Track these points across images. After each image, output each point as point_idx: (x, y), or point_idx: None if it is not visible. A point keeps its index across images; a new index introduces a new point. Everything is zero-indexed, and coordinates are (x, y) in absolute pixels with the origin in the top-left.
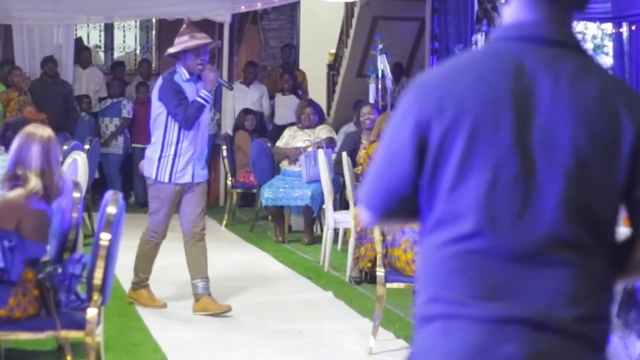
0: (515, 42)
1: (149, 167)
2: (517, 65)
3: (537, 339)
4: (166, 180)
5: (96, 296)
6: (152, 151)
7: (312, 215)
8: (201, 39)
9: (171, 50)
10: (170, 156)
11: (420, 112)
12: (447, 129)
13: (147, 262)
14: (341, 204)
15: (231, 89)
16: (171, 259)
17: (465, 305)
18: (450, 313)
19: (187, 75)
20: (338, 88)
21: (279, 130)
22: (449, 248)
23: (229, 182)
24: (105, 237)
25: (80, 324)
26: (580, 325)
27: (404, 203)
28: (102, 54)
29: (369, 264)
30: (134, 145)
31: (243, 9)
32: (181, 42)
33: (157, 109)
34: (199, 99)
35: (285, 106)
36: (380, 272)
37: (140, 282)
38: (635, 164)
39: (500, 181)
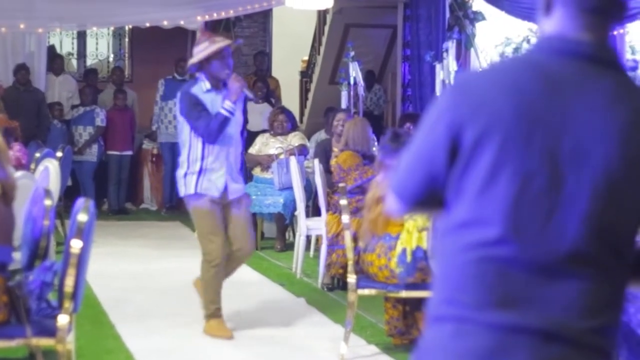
0: (556, 56)
1: (178, 187)
2: (555, 80)
3: (547, 349)
4: (192, 191)
5: (67, 303)
6: (179, 170)
7: (285, 222)
8: (221, 41)
9: (194, 60)
10: (194, 174)
11: (455, 114)
12: (480, 135)
13: (212, 291)
14: (313, 210)
15: (257, 101)
16: (147, 266)
17: (479, 311)
18: (463, 317)
19: (209, 86)
20: (311, 95)
21: (252, 137)
22: (471, 252)
23: None
24: (76, 245)
25: (51, 332)
26: (592, 336)
27: (433, 196)
28: (74, 62)
29: (341, 271)
30: (109, 152)
31: (215, 16)
32: (202, 50)
33: (180, 124)
34: (222, 111)
35: (258, 113)
36: (351, 278)
37: (211, 314)
38: None
39: (528, 193)
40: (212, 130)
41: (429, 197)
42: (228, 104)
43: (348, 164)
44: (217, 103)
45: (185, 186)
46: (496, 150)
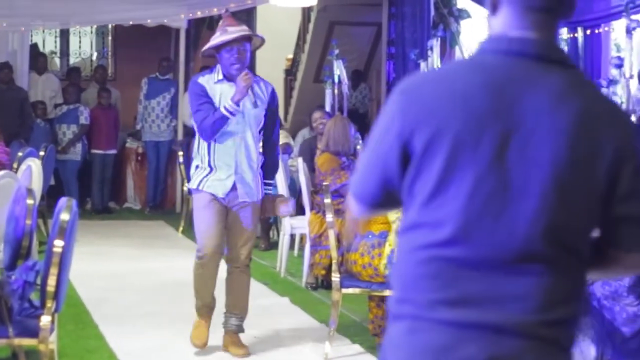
0: (503, 56)
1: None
2: (502, 81)
3: (498, 341)
4: (195, 186)
5: (50, 303)
6: (193, 161)
7: (269, 221)
8: (233, 33)
9: (205, 47)
10: (204, 169)
11: (404, 121)
12: (430, 140)
13: (198, 286)
14: (297, 209)
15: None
16: (130, 265)
17: (432, 309)
18: (417, 315)
19: (221, 76)
20: (295, 93)
21: None
22: (424, 252)
23: (185, 188)
24: (58, 244)
25: (33, 332)
26: (546, 329)
27: (390, 199)
28: (57, 60)
29: (323, 272)
30: (93, 151)
31: (199, 14)
32: (214, 37)
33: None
34: (222, 109)
35: None
36: (335, 277)
37: (198, 309)
38: (614, 184)
39: (477, 195)
40: (205, 126)
41: (386, 199)
42: (230, 103)
43: (325, 168)
44: (228, 95)
45: (193, 179)
46: (446, 154)
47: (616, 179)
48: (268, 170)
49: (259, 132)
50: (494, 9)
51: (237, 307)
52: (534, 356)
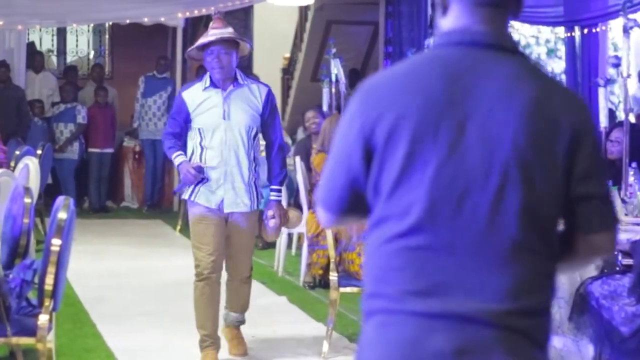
0: (455, 48)
1: None
2: (457, 70)
3: (467, 331)
4: (187, 196)
5: (47, 302)
6: None
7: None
8: (213, 35)
9: (188, 50)
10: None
11: (364, 118)
12: (389, 134)
13: (199, 312)
14: (295, 208)
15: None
16: (128, 264)
17: (402, 301)
18: (388, 308)
19: (208, 83)
20: (292, 92)
21: None
22: (390, 244)
23: None
24: (55, 243)
25: (31, 330)
26: (514, 318)
27: (357, 202)
28: (54, 59)
29: (321, 271)
30: (90, 149)
31: (196, 13)
32: (200, 39)
33: None
34: (173, 155)
35: None
36: (333, 276)
37: (201, 341)
38: (572, 164)
39: (440, 181)
40: (164, 142)
41: (354, 203)
42: (177, 160)
43: (321, 168)
44: (216, 101)
45: (187, 187)
46: (406, 145)
47: (575, 159)
48: (273, 175)
49: (255, 138)
50: (444, 10)
51: (238, 307)
52: (504, 348)
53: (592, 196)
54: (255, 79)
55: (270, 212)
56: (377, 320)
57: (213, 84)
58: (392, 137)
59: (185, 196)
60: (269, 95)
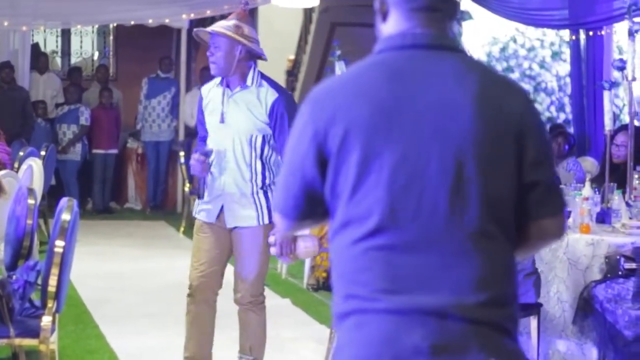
0: (398, 51)
1: None
2: (401, 73)
3: (442, 327)
4: (195, 212)
5: (50, 303)
6: None
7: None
8: (216, 25)
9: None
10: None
11: (315, 126)
12: (342, 139)
13: (188, 331)
14: None
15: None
16: (131, 266)
17: (375, 300)
18: (362, 308)
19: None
20: (297, 94)
21: None
22: (356, 246)
23: (186, 189)
24: (59, 244)
25: (34, 332)
26: (485, 310)
27: (314, 208)
28: (59, 60)
29: (325, 274)
30: (94, 150)
31: (199, 15)
32: None
33: None
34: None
35: None
36: None
37: None
38: (522, 152)
39: (397, 179)
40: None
41: (311, 208)
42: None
43: None
44: (218, 102)
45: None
46: (360, 150)
47: (523, 147)
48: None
49: (262, 147)
50: (384, 17)
51: (245, 344)
52: (478, 342)
53: (540, 183)
54: (273, 82)
55: (271, 238)
56: (353, 321)
57: (224, 82)
58: (345, 142)
59: (194, 212)
60: (276, 104)
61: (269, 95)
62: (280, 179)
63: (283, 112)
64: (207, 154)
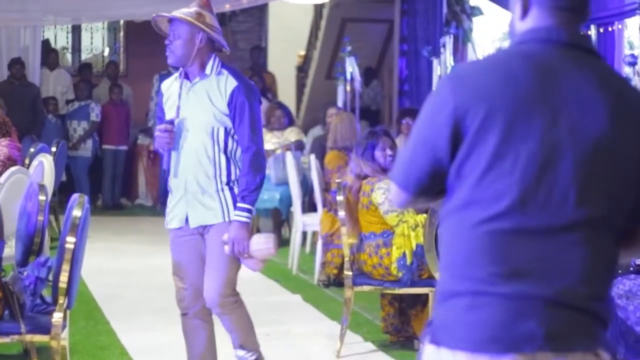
0: (541, 44)
1: None
2: (545, 66)
3: (555, 315)
4: (165, 224)
5: (61, 300)
6: None
7: (281, 217)
8: (163, 16)
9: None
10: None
11: (456, 103)
12: (483, 120)
13: (190, 354)
14: (309, 206)
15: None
16: (142, 262)
17: (491, 284)
18: (477, 290)
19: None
20: (307, 90)
21: None
22: (479, 228)
23: None
24: (70, 241)
25: (45, 328)
26: (591, 302)
27: (435, 183)
28: (69, 56)
29: (335, 271)
30: (104, 146)
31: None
32: None
33: None
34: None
35: None
36: (348, 275)
37: None
38: None
39: (532, 167)
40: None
41: (431, 184)
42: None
43: (332, 165)
44: (175, 94)
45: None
46: (500, 133)
47: None
48: (239, 189)
49: (226, 140)
50: (524, 12)
51: (237, 346)
52: (585, 331)
53: None
54: (234, 70)
55: (224, 236)
56: (465, 302)
57: (182, 74)
58: (484, 124)
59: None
60: (235, 93)
61: (229, 84)
62: (406, 151)
63: (243, 101)
64: (172, 123)
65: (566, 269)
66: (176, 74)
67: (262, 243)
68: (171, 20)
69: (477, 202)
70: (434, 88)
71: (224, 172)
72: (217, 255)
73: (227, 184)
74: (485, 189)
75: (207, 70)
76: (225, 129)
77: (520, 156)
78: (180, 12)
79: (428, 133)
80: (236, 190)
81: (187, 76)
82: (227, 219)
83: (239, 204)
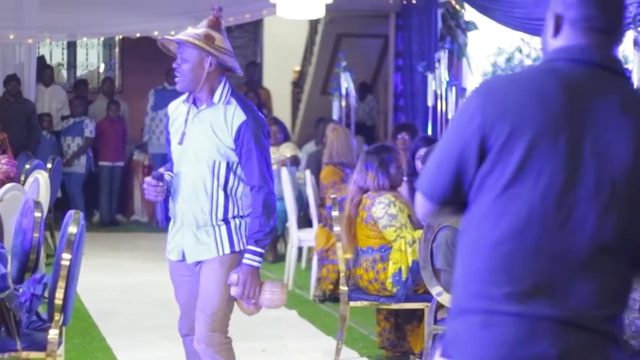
0: (572, 63)
1: None
2: (574, 85)
3: (569, 336)
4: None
5: (57, 316)
6: None
7: (276, 233)
8: (170, 40)
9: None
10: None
11: (484, 117)
12: (510, 134)
13: None
14: (305, 221)
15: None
16: (138, 278)
17: (507, 303)
18: (492, 309)
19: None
20: (302, 106)
21: None
22: (497, 246)
23: None
24: (65, 257)
25: (41, 345)
26: (605, 324)
27: (458, 195)
28: (64, 72)
29: (331, 286)
30: (101, 162)
31: None
32: None
33: None
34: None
35: None
36: (343, 290)
37: None
38: None
39: (553, 188)
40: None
41: (456, 195)
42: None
43: (326, 181)
44: (181, 120)
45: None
46: (524, 149)
47: None
48: (248, 231)
49: (227, 174)
50: (556, 30)
51: None
52: (599, 352)
53: None
54: (243, 101)
55: (233, 277)
56: (478, 320)
57: (190, 98)
58: (510, 139)
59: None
60: (242, 128)
61: (236, 118)
62: (432, 162)
63: (251, 137)
64: (159, 178)
65: (581, 291)
66: (183, 97)
67: (276, 292)
68: (179, 43)
69: (496, 218)
70: (429, 103)
71: (221, 210)
72: (210, 288)
73: (223, 220)
74: (505, 205)
75: (216, 97)
76: (228, 163)
77: (542, 175)
78: (187, 35)
79: (455, 145)
80: (232, 224)
81: (194, 101)
82: (220, 254)
83: (252, 247)
